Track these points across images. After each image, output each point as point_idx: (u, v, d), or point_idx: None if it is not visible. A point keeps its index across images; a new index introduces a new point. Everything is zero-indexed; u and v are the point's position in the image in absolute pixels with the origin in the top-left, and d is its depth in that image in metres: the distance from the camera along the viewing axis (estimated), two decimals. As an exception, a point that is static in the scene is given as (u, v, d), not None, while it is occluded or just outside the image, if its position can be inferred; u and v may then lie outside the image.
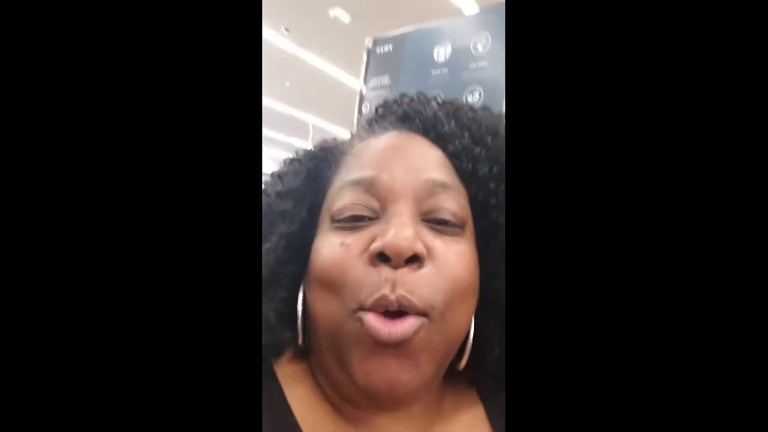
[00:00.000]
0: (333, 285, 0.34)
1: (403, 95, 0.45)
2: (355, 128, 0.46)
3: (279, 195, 0.41)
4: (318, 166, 0.42)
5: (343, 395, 0.37)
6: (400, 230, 0.33)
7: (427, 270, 0.33)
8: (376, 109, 0.45)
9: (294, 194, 0.40)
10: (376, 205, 0.35)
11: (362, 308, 0.33)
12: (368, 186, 0.35)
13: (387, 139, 0.39)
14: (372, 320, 0.32)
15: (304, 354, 0.39)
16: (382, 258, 0.33)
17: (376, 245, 0.33)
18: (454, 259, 0.34)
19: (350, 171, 0.38)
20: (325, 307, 0.35)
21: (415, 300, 0.32)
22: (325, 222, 0.37)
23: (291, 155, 0.45)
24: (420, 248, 0.33)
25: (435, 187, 0.35)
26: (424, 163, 0.37)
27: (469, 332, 0.37)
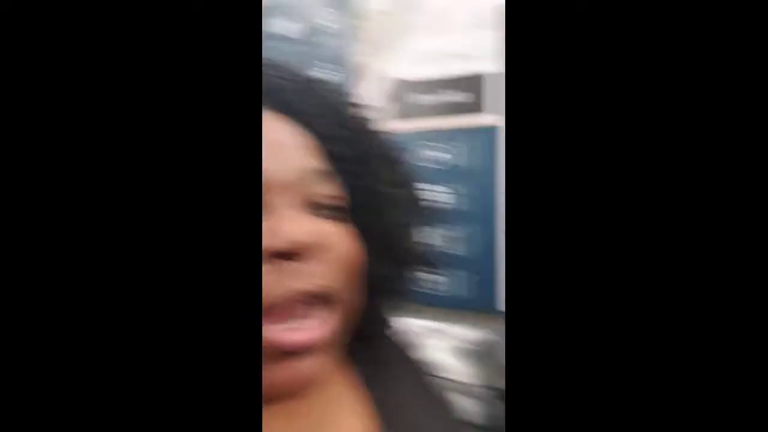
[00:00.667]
0: None
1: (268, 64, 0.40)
2: None
3: None
4: None
5: None
6: (281, 225, 0.31)
7: (320, 256, 0.33)
8: None
9: None
10: None
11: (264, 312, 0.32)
12: None
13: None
14: (271, 332, 0.31)
15: None
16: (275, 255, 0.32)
17: (266, 242, 0.31)
18: (344, 240, 0.35)
19: None
20: None
21: (316, 288, 0.32)
22: None
23: None
24: (307, 238, 0.32)
25: (311, 176, 0.35)
26: (296, 151, 0.35)
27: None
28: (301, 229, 0.32)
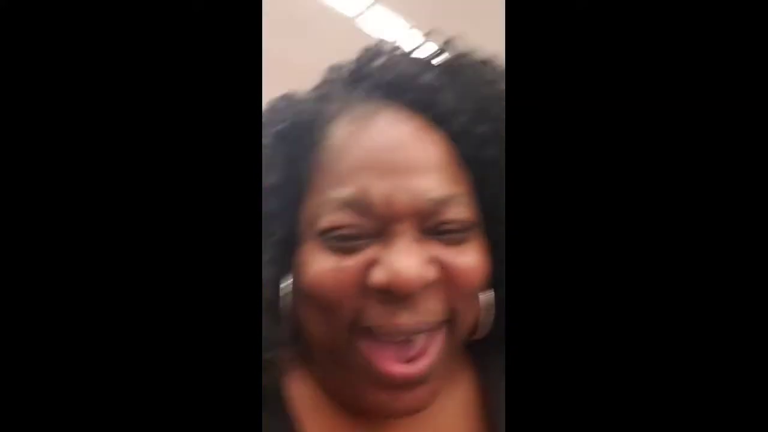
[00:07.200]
0: (327, 310, 0.31)
1: (381, 44, 0.36)
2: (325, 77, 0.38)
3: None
4: (290, 152, 0.34)
5: (346, 402, 0.35)
6: (405, 259, 0.29)
7: (439, 283, 0.31)
8: (352, 72, 0.36)
9: (277, 192, 0.33)
10: (370, 225, 0.31)
11: (364, 334, 0.31)
12: (359, 208, 0.31)
13: (374, 138, 0.32)
14: (377, 364, 0.30)
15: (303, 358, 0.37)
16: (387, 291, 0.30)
17: (378, 278, 0.30)
18: (468, 266, 0.32)
19: (333, 178, 0.32)
20: (320, 330, 0.33)
21: (434, 318, 0.31)
22: (307, 232, 0.33)
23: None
24: (430, 275, 0.30)
25: (439, 206, 0.31)
26: (424, 173, 0.31)
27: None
28: (420, 266, 0.30)
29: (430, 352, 0.31)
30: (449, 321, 0.32)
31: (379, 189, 0.31)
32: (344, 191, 0.31)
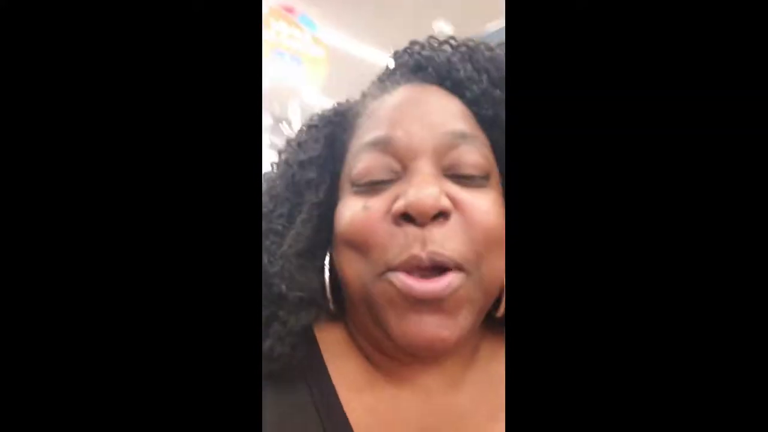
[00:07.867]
0: (359, 248, 0.35)
1: (413, 43, 0.42)
2: (367, 87, 0.45)
3: (302, 164, 0.40)
4: (333, 131, 0.41)
5: (378, 348, 0.38)
6: (423, 187, 0.32)
7: (455, 222, 0.33)
8: (386, 69, 0.43)
9: (316, 162, 0.40)
10: (395, 165, 0.35)
11: (391, 269, 0.33)
12: (385, 146, 0.35)
13: (399, 94, 0.38)
14: (404, 279, 0.32)
15: (338, 314, 0.40)
16: (406, 218, 0.33)
17: (398, 205, 0.33)
18: (483, 208, 0.34)
19: (365, 133, 0.37)
20: (353, 270, 0.35)
21: (448, 253, 0.32)
22: (345, 187, 0.38)
23: (307, 122, 0.44)
24: (445, 203, 0.32)
25: (455, 140, 0.34)
26: (441, 114, 0.36)
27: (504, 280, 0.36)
28: (436, 194, 0.32)
29: (452, 279, 0.32)
30: (473, 266, 0.33)
31: (400, 127, 0.35)
32: (371, 135, 0.37)
